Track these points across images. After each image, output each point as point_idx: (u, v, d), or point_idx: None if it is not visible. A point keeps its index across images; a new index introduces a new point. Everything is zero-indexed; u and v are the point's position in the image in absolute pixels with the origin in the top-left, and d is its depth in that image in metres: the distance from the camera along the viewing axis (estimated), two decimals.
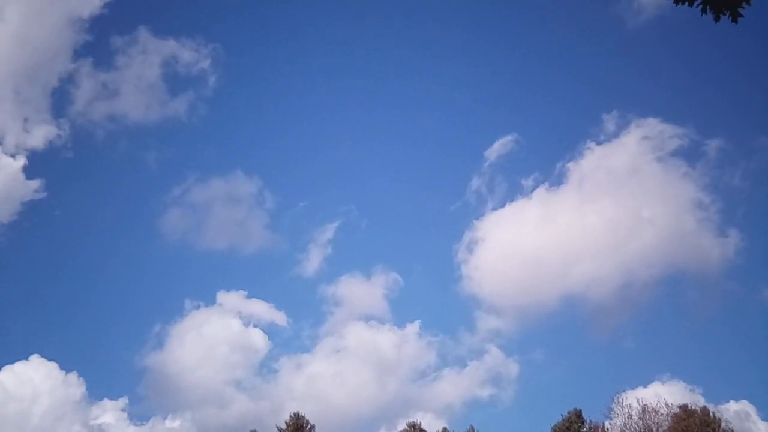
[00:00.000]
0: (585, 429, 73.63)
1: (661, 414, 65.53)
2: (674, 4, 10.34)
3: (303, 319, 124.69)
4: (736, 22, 10.22)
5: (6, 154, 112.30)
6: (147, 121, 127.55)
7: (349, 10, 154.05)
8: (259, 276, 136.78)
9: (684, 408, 67.33)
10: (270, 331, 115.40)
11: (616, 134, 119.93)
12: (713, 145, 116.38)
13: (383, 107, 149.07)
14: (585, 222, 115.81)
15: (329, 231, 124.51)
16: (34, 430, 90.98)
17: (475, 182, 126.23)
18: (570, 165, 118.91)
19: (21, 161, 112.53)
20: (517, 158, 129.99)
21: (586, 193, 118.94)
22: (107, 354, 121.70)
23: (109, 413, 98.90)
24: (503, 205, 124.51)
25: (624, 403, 67.34)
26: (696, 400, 72.80)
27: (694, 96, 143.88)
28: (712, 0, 10.21)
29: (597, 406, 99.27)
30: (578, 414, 75.85)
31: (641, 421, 64.76)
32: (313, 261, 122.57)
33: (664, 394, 71.11)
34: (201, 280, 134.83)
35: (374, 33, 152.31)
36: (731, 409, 76.10)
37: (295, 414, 79.46)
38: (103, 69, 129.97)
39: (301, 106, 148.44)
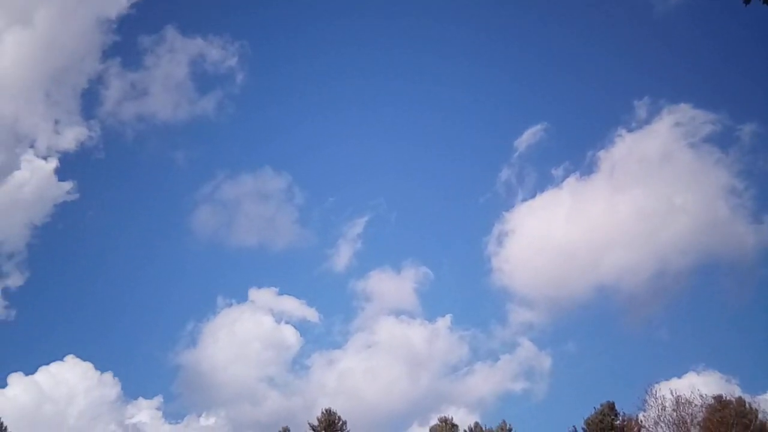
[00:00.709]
0: (618, 421, 73.08)
1: (695, 405, 64.80)
2: None
3: (334, 315, 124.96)
4: (766, 3, 10.14)
5: (38, 156, 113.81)
6: (176, 120, 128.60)
7: (376, 4, 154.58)
8: (289, 272, 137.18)
9: (719, 399, 66.51)
10: (301, 327, 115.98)
11: (647, 121, 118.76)
12: (747, 130, 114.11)
13: (411, 101, 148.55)
14: (616, 211, 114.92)
15: (359, 225, 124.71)
16: (70, 430, 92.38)
17: (505, 173, 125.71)
18: (601, 153, 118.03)
19: (53, 163, 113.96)
20: (547, 147, 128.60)
21: (617, 181, 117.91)
22: (141, 353, 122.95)
23: (144, 412, 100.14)
24: (533, 196, 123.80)
25: (657, 395, 66.70)
26: (732, 390, 71.90)
27: (727, 81, 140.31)
28: None
29: (630, 398, 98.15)
30: (611, 406, 75.35)
31: (675, 413, 64.05)
32: (343, 256, 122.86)
33: (699, 385, 70.35)
34: (233, 278, 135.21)
35: (400, 27, 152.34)
36: None
37: (326, 410, 79.91)
38: (131, 69, 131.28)
39: (328, 101, 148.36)
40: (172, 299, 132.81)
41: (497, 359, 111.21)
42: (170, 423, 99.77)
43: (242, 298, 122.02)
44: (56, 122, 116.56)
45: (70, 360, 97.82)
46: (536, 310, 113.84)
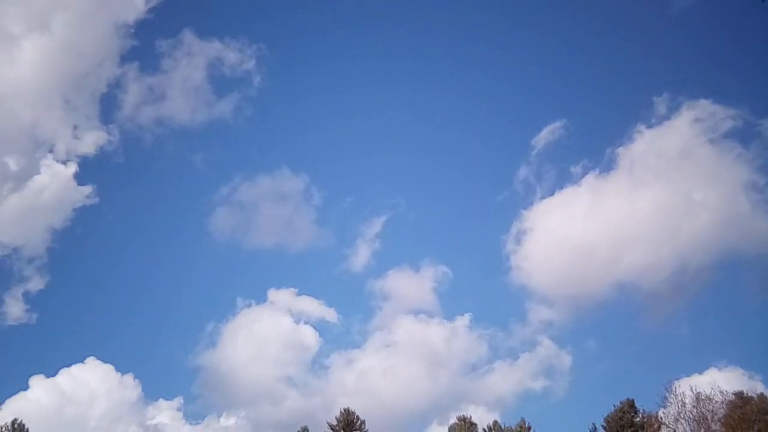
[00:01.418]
0: (638, 419, 72.49)
1: (716, 402, 64.11)
2: None
3: (352, 315, 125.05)
4: None
5: (57, 161, 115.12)
6: (194, 123, 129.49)
7: (391, 6, 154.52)
8: (307, 272, 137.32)
9: (740, 395, 65.85)
10: (320, 327, 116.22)
11: (666, 117, 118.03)
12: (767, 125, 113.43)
13: (428, 100, 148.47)
14: (636, 208, 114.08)
15: (377, 225, 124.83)
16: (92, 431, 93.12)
17: (523, 171, 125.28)
18: (620, 150, 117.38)
19: (72, 168, 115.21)
20: (566, 145, 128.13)
21: (636, 178, 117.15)
22: (161, 355, 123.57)
23: (165, 413, 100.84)
24: (552, 194, 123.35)
25: (678, 392, 66.09)
26: (754, 386, 71.08)
27: (747, 76, 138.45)
28: None
29: (651, 396, 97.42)
30: (631, 404, 74.74)
31: (695, 410, 63.43)
32: (361, 256, 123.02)
33: (721, 381, 69.73)
34: (251, 279, 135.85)
35: (416, 27, 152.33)
36: None
37: (345, 410, 79.90)
38: (149, 73, 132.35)
39: (345, 101, 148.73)
40: (191, 301, 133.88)
41: (517, 358, 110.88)
42: (191, 424, 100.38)
43: (261, 299, 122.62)
44: (75, 127, 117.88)
45: (91, 362, 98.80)
46: (556, 309, 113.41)
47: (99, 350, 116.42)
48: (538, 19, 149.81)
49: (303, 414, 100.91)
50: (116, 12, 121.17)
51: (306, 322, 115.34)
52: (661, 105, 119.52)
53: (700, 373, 77.71)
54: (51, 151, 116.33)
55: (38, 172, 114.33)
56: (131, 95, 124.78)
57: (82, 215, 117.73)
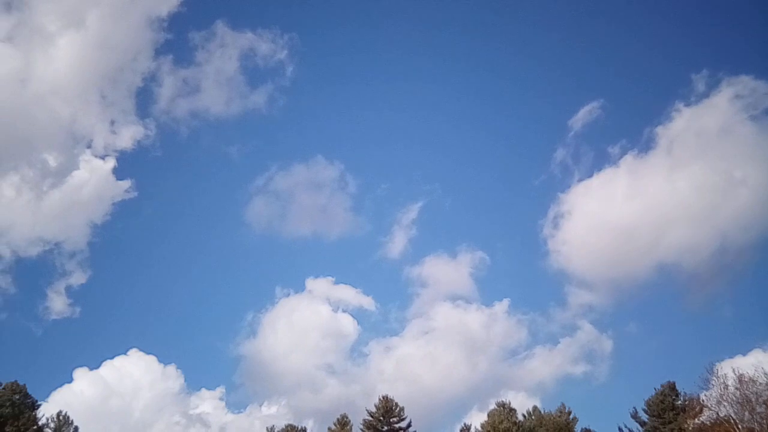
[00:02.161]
0: (679, 402, 71.58)
1: (760, 384, 62.80)
2: None
3: (390, 302, 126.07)
4: None
5: (96, 156, 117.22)
6: (228, 114, 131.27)
7: None
8: (344, 260, 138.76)
9: None
10: (358, 315, 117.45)
11: (706, 94, 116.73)
12: None
13: (462, 84, 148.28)
14: (676, 188, 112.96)
15: (413, 211, 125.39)
16: (136, 423, 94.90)
17: (560, 153, 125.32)
18: (658, 129, 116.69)
19: (111, 163, 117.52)
20: (603, 126, 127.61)
21: (675, 157, 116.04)
22: (203, 345, 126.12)
23: (207, 402, 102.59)
24: (590, 176, 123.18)
25: (720, 374, 64.91)
26: None
27: None
28: None
29: (694, 378, 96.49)
30: (672, 387, 73.92)
31: (738, 392, 62.24)
32: (397, 243, 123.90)
33: (765, 363, 68.02)
34: (289, 268, 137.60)
35: (449, 10, 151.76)
36: None
37: (383, 397, 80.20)
38: (183, 66, 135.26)
39: (378, 88, 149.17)
40: (231, 291, 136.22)
41: (557, 342, 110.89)
42: (233, 412, 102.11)
43: (299, 288, 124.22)
44: (112, 122, 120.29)
45: (134, 353, 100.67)
46: (596, 292, 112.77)
47: (141, 341, 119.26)
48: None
49: (343, 401, 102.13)
50: (149, 5, 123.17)
51: (344, 311, 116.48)
52: (699, 82, 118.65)
53: (744, 354, 76.25)
54: (89, 147, 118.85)
55: (77, 168, 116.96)
56: (166, 88, 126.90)
57: (121, 209, 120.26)
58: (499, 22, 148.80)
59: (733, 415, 61.78)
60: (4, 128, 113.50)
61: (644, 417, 76.12)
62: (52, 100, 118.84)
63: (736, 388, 62.58)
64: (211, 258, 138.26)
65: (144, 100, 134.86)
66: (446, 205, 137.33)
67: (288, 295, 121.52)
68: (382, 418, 78.59)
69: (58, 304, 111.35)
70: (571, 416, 79.74)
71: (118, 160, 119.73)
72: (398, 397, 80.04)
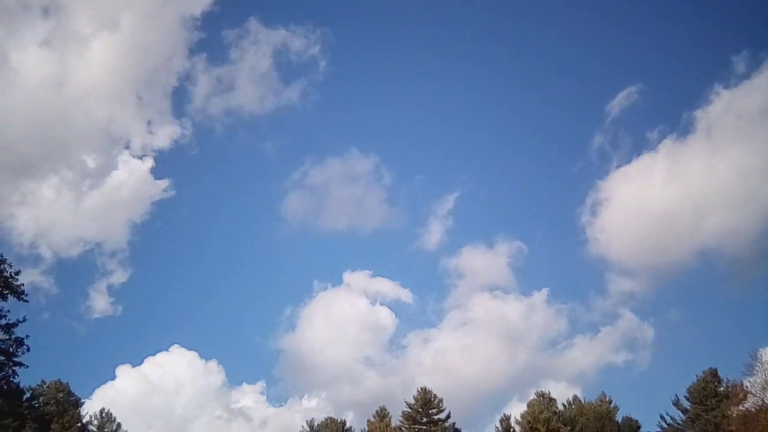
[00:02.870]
0: (722, 388, 70.36)
1: None
2: None
3: (427, 294, 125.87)
4: None
5: (134, 156, 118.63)
6: (262, 111, 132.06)
7: None
8: (381, 253, 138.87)
9: None
10: (396, 308, 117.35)
11: (746, 76, 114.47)
12: None
13: (495, 72, 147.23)
14: (716, 172, 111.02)
15: (449, 202, 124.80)
16: (178, 418, 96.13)
17: (597, 139, 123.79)
18: (697, 113, 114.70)
19: (148, 162, 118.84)
20: (641, 110, 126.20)
21: (715, 141, 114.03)
22: (243, 340, 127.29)
23: (249, 397, 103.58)
24: (628, 161, 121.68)
25: (764, 359, 63.50)
26: None
27: None
28: None
29: (736, 364, 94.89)
30: (714, 373, 72.72)
31: None
32: (433, 234, 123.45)
33: None
34: (326, 261, 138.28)
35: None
36: None
37: (422, 389, 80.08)
38: (217, 64, 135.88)
39: (411, 80, 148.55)
40: (269, 286, 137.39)
41: (597, 331, 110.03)
42: (274, 406, 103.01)
43: (337, 282, 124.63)
44: (149, 122, 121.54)
45: (175, 350, 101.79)
46: (636, 279, 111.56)
47: (182, 338, 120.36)
48: None
49: (382, 393, 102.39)
50: (182, 5, 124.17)
51: (382, 303, 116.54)
52: (739, 63, 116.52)
53: None
54: (127, 147, 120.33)
55: (116, 168, 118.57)
56: (201, 87, 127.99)
57: (160, 208, 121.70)
58: (534, 9, 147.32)
59: None
60: (43, 131, 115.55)
61: (686, 404, 75.15)
62: (89, 103, 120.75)
63: None
64: (248, 253, 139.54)
65: (179, 99, 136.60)
66: (482, 195, 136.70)
67: (325, 288, 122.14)
68: (420, 409, 78.55)
69: (99, 302, 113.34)
70: (612, 405, 79.06)
71: (155, 159, 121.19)
72: (437, 388, 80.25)
